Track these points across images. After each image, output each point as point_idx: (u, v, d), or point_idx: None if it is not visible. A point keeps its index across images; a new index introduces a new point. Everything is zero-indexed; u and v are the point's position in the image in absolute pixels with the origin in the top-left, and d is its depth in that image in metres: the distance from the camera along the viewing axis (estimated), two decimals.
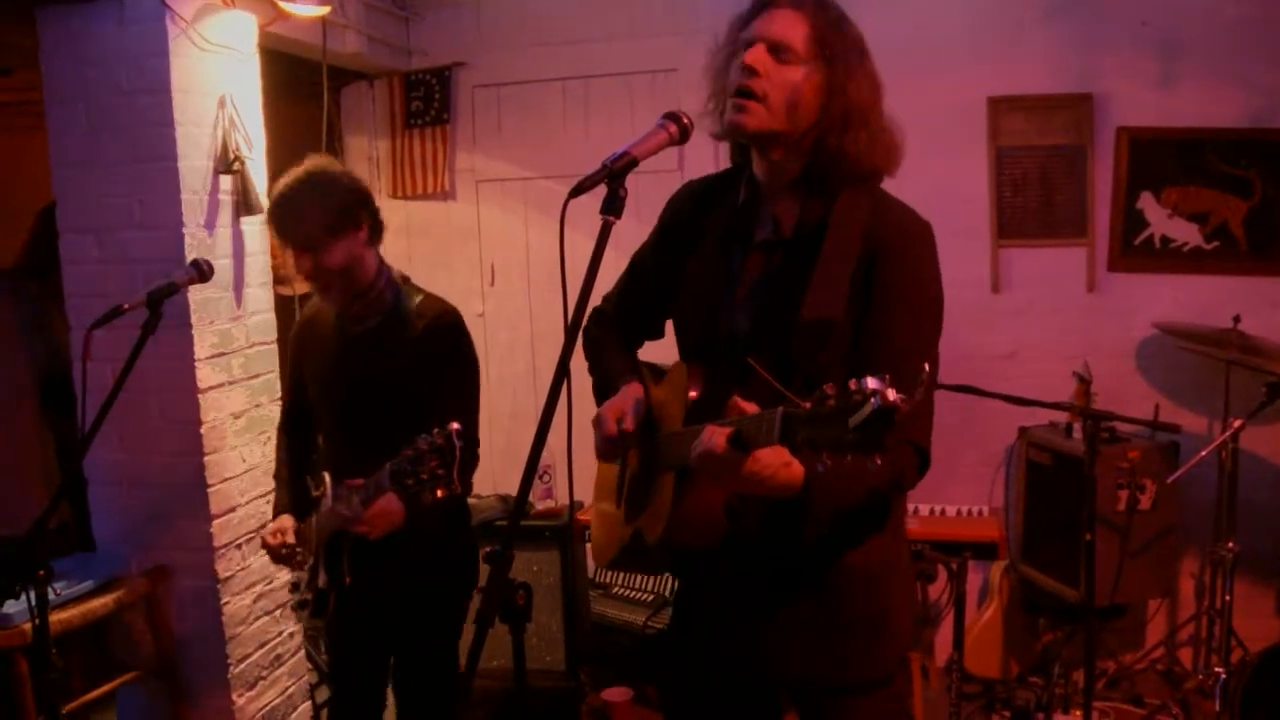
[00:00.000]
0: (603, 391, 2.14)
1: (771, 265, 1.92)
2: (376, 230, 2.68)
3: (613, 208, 1.73)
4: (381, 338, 2.68)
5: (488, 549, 1.86)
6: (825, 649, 1.93)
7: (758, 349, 1.86)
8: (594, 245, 1.74)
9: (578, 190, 1.72)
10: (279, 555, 2.74)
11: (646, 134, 1.80)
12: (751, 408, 1.63)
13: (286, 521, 2.75)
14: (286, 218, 2.57)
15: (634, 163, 1.75)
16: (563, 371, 1.76)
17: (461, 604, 2.84)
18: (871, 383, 1.34)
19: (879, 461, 1.37)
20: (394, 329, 2.67)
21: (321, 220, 2.53)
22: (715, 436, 1.63)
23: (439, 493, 2.23)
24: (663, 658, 4.12)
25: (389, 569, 2.66)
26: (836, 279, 1.81)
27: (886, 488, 1.81)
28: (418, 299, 2.71)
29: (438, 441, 2.20)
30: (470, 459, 2.65)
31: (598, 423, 2.02)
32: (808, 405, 1.43)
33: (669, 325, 2.16)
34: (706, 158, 3.03)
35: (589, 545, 4.10)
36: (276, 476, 2.96)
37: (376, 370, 2.65)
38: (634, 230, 2.12)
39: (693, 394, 1.93)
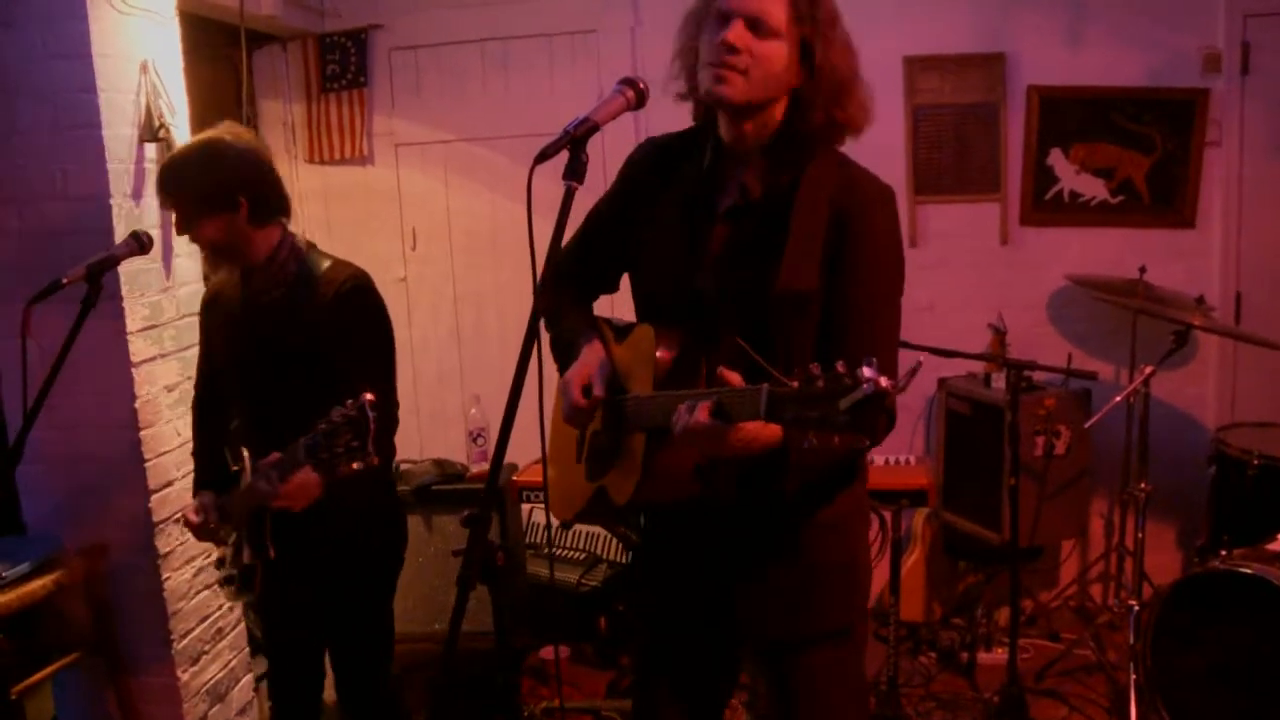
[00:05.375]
0: (562, 349, 2.16)
1: (740, 231, 1.94)
2: (262, 210, 2.60)
3: (575, 173, 1.74)
4: (288, 306, 2.62)
5: (466, 512, 1.88)
6: (797, 600, 1.98)
7: (728, 315, 1.90)
8: (558, 210, 1.74)
9: (543, 156, 1.73)
10: (201, 533, 2.72)
11: (605, 99, 1.82)
12: (735, 378, 1.65)
13: (206, 498, 2.71)
14: (162, 188, 2.57)
15: (595, 128, 1.77)
16: (532, 335, 1.75)
17: (391, 568, 2.84)
18: (867, 371, 1.39)
19: (867, 442, 1.44)
20: (301, 297, 2.61)
21: (193, 196, 2.52)
22: (698, 412, 1.65)
23: (354, 465, 2.22)
24: (601, 611, 4.20)
25: (315, 539, 2.64)
26: (809, 247, 1.85)
27: (880, 437, 1.87)
28: (325, 264, 2.65)
29: (350, 414, 2.19)
30: (388, 423, 2.63)
31: (564, 389, 2.04)
32: (795, 384, 1.47)
33: (624, 281, 2.19)
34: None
35: (529, 507, 4.17)
36: (194, 453, 2.92)
37: (285, 340, 2.60)
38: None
39: (661, 354, 1.95)
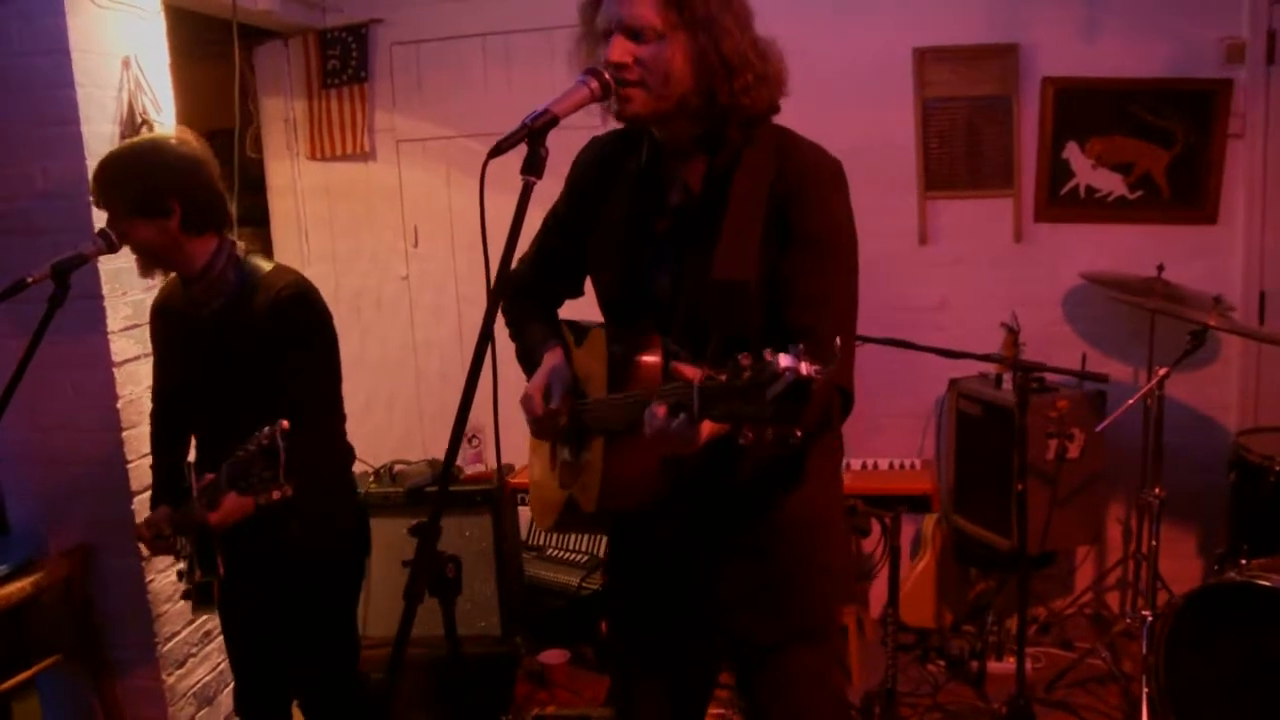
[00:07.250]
0: (527, 359, 2.12)
1: (685, 226, 1.90)
2: (195, 219, 2.51)
3: (533, 167, 1.68)
4: (228, 316, 2.55)
5: (414, 523, 1.82)
6: (766, 602, 1.94)
7: (678, 311, 1.86)
8: (515, 206, 1.68)
9: (497, 150, 1.68)
10: (156, 548, 2.66)
11: (567, 91, 1.77)
12: (691, 372, 1.54)
13: (159, 514, 2.63)
14: (96, 185, 2.50)
15: (554, 121, 1.72)
16: (486, 336, 1.72)
17: (350, 579, 2.77)
18: (784, 360, 1.32)
19: (798, 434, 1.36)
20: (240, 306, 2.53)
21: (125, 195, 2.45)
22: (660, 416, 1.56)
23: (274, 495, 2.17)
24: (601, 614, 4.12)
25: (269, 552, 2.58)
26: (745, 236, 1.80)
27: (813, 425, 1.79)
28: (265, 270, 2.57)
29: (263, 442, 2.15)
30: (321, 445, 2.58)
31: (525, 402, 2.00)
32: (723, 377, 1.41)
33: (588, 284, 2.13)
34: None
35: (526, 509, 4.11)
36: (152, 467, 2.86)
37: (228, 350, 2.53)
38: (554, 186, 2.07)
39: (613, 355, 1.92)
